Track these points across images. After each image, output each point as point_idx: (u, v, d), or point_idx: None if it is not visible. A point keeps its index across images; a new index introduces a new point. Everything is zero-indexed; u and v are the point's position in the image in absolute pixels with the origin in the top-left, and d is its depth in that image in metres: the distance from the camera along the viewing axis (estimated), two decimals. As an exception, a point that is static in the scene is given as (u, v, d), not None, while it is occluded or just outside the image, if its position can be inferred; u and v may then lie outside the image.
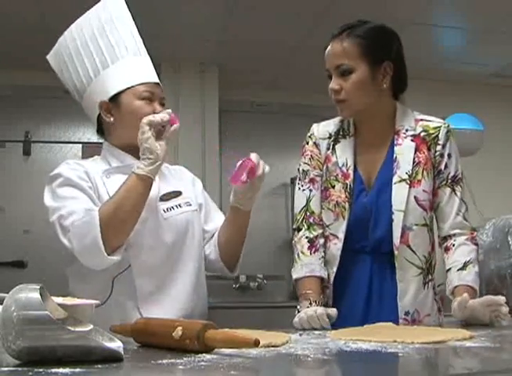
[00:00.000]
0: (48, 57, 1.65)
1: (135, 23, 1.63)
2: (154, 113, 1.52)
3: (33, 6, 3.17)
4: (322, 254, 1.59)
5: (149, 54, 1.63)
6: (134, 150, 1.56)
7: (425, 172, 1.57)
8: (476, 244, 1.58)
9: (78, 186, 1.47)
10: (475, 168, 4.06)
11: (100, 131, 1.64)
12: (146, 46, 1.63)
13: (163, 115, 1.47)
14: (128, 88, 1.54)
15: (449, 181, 1.60)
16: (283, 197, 4.48)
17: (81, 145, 4.05)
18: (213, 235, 1.69)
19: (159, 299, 1.48)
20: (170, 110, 1.49)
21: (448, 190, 1.60)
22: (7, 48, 3.57)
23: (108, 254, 1.35)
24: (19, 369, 0.76)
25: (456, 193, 1.60)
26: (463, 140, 4.02)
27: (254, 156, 1.48)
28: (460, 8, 3.32)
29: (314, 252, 1.59)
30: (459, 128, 4.00)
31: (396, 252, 1.53)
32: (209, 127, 4.13)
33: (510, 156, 4.34)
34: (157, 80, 1.60)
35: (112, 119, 1.56)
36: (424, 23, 3.47)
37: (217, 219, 1.71)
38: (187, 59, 4.04)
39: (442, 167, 1.59)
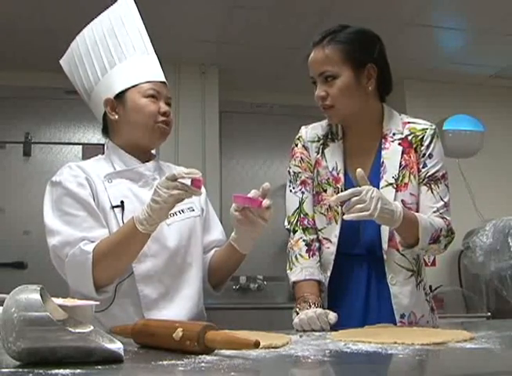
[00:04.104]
0: (61, 62, 1.67)
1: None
2: (159, 111, 1.52)
3: (34, 7, 3.17)
4: (319, 257, 1.60)
5: (149, 55, 1.62)
6: (137, 151, 1.57)
7: (412, 176, 1.57)
8: (451, 231, 1.54)
9: (78, 199, 1.45)
10: (475, 169, 4.07)
11: (105, 130, 1.62)
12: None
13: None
14: (134, 85, 1.54)
15: (426, 179, 1.58)
16: (283, 198, 4.46)
17: (81, 146, 4.04)
18: (204, 249, 1.64)
19: (164, 306, 1.47)
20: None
21: (424, 188, 1.58)
22: (7, 49, 3.56)
23: (97, 290, 1.38)
24: (20, 370, 0.76)
25: (432, 192, 1.57)
26: (463, 141, 4.04)
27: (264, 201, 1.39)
28: (461, 9, 3.32)
29: (312, 256, 1.59)
30: (459, 129, 4.01)
31: (385, 256, 1.53)
32: (209, 128, 4.13)
33: (511, 157, 4.34)
34: (163, 79, 1.61)
35: (117, 117, 1.55)
36: (425, 24, 3.47)
37: (213, 233, 1.69)
38: (187, 60, 4.03)
39: (421, 166, 1.59)
